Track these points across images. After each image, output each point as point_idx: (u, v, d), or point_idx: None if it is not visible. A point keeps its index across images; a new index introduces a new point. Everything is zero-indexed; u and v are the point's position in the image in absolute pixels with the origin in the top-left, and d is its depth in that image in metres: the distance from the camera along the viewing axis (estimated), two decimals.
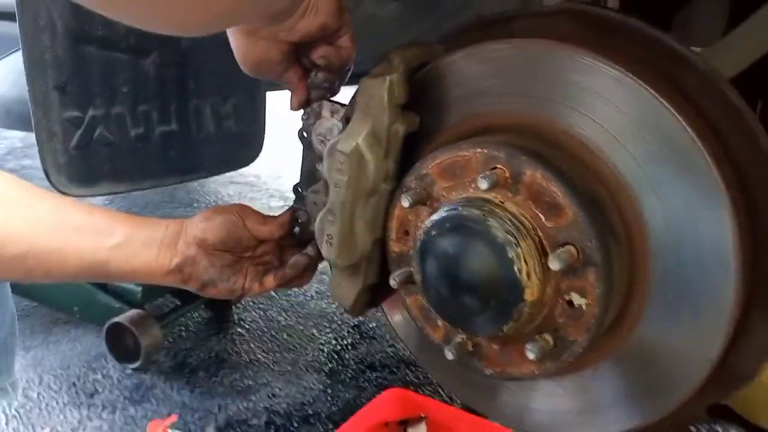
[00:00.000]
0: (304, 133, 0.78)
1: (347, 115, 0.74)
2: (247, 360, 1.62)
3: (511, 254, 0.59)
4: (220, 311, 1.83)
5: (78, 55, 0.92)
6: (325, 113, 0.75)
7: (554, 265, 0.57)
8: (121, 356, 1.53)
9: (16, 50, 1.14)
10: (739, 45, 0.80)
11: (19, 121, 1.17)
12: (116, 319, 1.50)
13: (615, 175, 0.60)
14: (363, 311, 0.83)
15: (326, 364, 1.62)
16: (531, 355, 0.61)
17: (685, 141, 0.56)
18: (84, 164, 0.97)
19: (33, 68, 0.88)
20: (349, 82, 0.78)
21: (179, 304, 1.74)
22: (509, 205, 0.61)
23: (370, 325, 1.84)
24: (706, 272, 0.57)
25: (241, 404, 1.43)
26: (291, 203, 0.85)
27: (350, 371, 1.60)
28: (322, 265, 0.84)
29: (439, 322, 0.72)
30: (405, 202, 0.68)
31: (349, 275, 0.78)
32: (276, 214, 0.81)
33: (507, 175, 0.61)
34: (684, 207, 0.57)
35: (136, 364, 1.51)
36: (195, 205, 2.97)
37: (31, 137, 0.95)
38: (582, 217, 0.57)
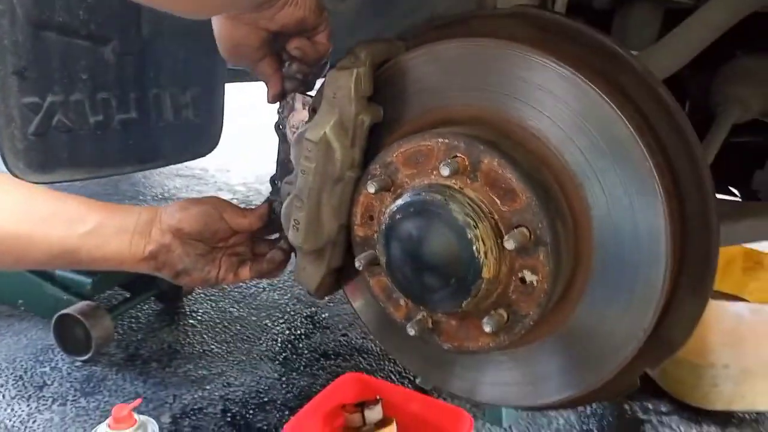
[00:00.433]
0: (279, 126, 0.81)
1: (314, 105, 0.78)
2: (201, 351, 1.63)
3: (470, 235, 0.64)
4: (171, 303, 1.83)
5: (38, 41, 0.92)
6: (298, 106, 0.79)
7: (509, 244, 0.63)
8: (71, 349, 1.51)
9: None
10: (670, 50, 0.88)
11: None
12: (66, 311, 1.48)
13: (562, 163, 0.66)
14: (327, 294, 0.86)
15: (280, 353, 1.65)
16: (487, 328, 0.66)
17: (624, 134, 0.62)
18: (42, 150, 0.96)
19: None
20: None
21: (129, 296, 1.73)
22: (468, 190, 0.67)
23: (323, 315, 1.87)
24: (642, 252, 0.64)
25: (196, 393, 1.44)
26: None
27: (304, 360, 1.63)
28: None
29: (402, 302, 0.76)
30: (371, 188, 0.72)
31: (314, 259, 0.81)
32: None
33: (466, 163, 0.66)
34: (622, 193, 0.64)
35: (86, 357, 1.50)
36: (140, 197, 2.92)
37: None
38: (534, 201, 0.63)
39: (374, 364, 1.63)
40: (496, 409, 1.43)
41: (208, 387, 1.47)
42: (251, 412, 1.40)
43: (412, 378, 1.58)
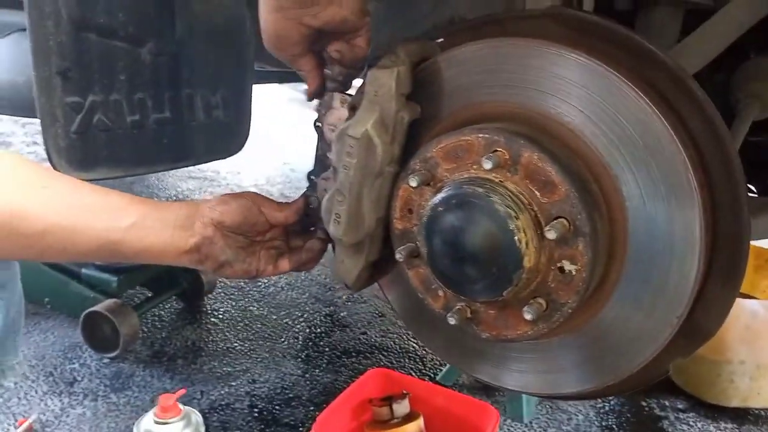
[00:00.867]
0: (318, 123, 0.84)
1: (353, 103, 0.81)
2: (224, 348, 1.65)
3: (511, 226, 0.67)
4: (193, 302, 1.85)
5: (80, 42, 0.95)
6: (336, 104, 0.82)
7: (551, 234, 0.65)
8: (98, 346, 1.54)
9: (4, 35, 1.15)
10: (695, 49, 0.91)
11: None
12: (93, 309, 1.51)
13: (597, 157, 0.69)
14: (362, 287, 0.89)
15: (302, 351, 1.67)
16: (528, 316, 0.69)
17: (658, 128, 0.65)
18: (83, 148, 0.99)
19: (38, 54, 0.90)
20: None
21: (152, 294, 1.76)
22: (508, 183, 0.69)
23: (342, 314, 1.90)
24: (676, 243, 0.66)
25: (223, 390, 1.47)
26: None
27: (326, 357, 1.65)
28: None
29: (440, 292, 0.79)
30: (413, 183, 0.75)
31: (353, 253, 0.84)
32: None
33: (507, 157, 0.69)
34: (657, 185, 0.66)
35: (114, 353, 1.52)
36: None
37: None
38: (573, 193, 0.66)
39: (395, 362, 1.66)
40: (517, 405, 1.45)
41: (233, 383, 1.50)
42: (277, 407, 1.42)
43: (432, 375, 1.60)
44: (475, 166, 0.72)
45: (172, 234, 0.76)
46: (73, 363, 1.52)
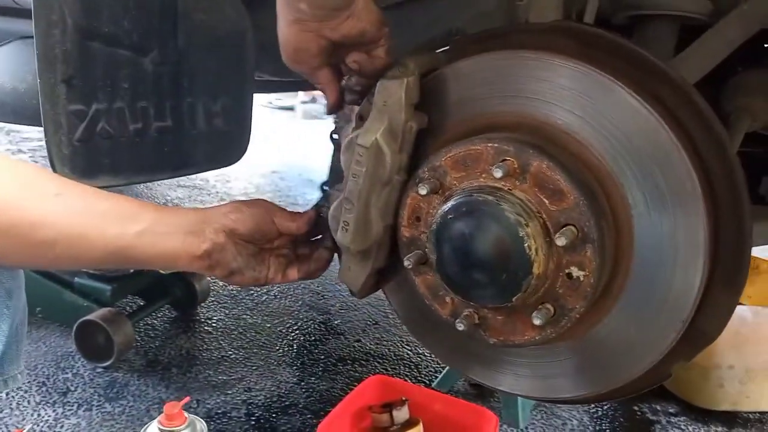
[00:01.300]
0: (334, 135, 0.85)
1: (361, 113, 0.82)
2: (219, 357, 1.65)
3: (521, 233, 0.68)
4: (186, 311, 1.84)
5: (85, 50, 0.95)
6: (355, 117, 0.82)
7: (560, 241, 0.67)
8: (92, 355, 1.53)
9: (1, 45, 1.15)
10: (691, 63, 0.94)
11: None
12: (88, 318, 1.49)
13: (603, 166, 0.71)
14: (368, 294, 0.90)
15: (297, 359, 1.67)
16: (537, 321, 0.70)
17: (664, 139, 0.67)
18: (86, 156, 0.99)
19: (44, 62, 0.90)
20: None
21: (144, 303, 1.75)
22: (516, 192, 0.71)
23: (335, 322, 1.91)
24: (680, 248, 0.68)
25: (219, 398, 1.46)
26: None
27: (321, 365, 1.66)
28: None
29: (447, 299, 0.80)
30: (422, 191, 0.76)
31: (360, 260, 0.85)
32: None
33: (515, 166, 0.71)
34: (662, 193, 0.68)
35: (108, 363, 1.51)
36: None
37: None
38: (582, 201, 0.68)
39: (390, 369, 1.66)
40: (513, 411, 1.47)
41: (229, 392, 1.49)
42: (274, 415, 1.42)
43: (427, 382, 1.61)
44: (484, 175, 0.73)
45: (184, 240, 0.76)
46: (66, 373, 1.51)
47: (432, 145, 0.82)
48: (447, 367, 1.58)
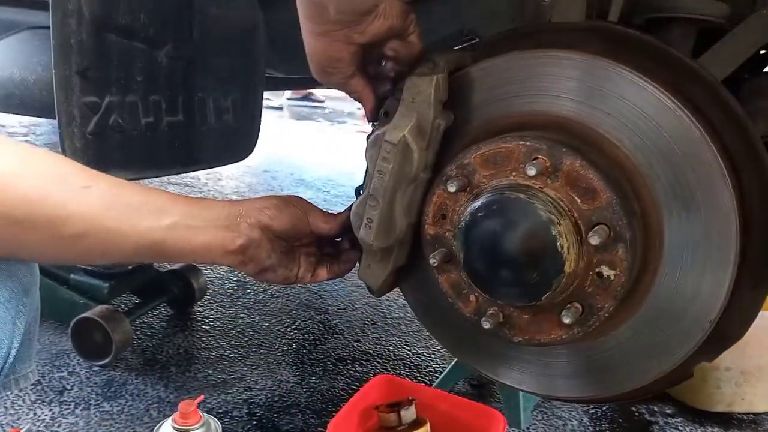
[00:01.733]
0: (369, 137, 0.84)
1: (386, 109, 0.81)
2: (218, 356, 1.63)
3: (554, 232, 0.68)
4: (182, 309, 1.82)
5: (100, 42, 0.93)
6: None
7: (594, 240, 0.67)
8: (89, 353, 1.50)
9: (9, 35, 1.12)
10: (711, 66, 0.95)
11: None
12: (85, 315, 1.47)
13: (634, 164, 0.71)
14: (385, 292, 0.89)
15: (297, 358, 1.66)
16: (567, 320, 0.71)
17: (696, 137, 0.68)
18: (98, 150, 0.97)
19: (59, 52, 0.88)
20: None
21: (141, 301, 1.72)
22: (548, 190, 0.71)
23: (334, 322, 1.89)
24: (711, 248, 0.69)
25: (219, 398, 1.44)
26: None
27: (321, 364, 1.64)
28: None
29: (471, 297, 0.80)
30: (451, 188, 0.76)
31: (382, 258, 0.84)
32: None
33: (547, 164, 0.71)
34: (693, 192, 0.69)
35: (105, 361, 1.48)
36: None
37: None
38: (615, 200, 0.68)
39: (390, 369, 1.66)
40: (515, 412, 1.47)
41: (230, 391, 1.47)
42: (276, 415, 1.41)
43: (428, 382, 1.61)
44: (514, 173, 0.73)
45: (216, 234, 0.74)
46: (62, 371, 1.47)
47: (457, 143, 0.81)
48: (447, 367, 1.58)
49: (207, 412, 1.37)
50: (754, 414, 1.64)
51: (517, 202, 0.70)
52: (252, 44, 1.21)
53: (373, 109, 0.80)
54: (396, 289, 0.92)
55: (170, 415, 1.21)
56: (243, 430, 1.34)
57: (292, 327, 1.83)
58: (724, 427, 1.59)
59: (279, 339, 1.75)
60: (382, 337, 1.83)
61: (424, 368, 1.68)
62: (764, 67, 1.41)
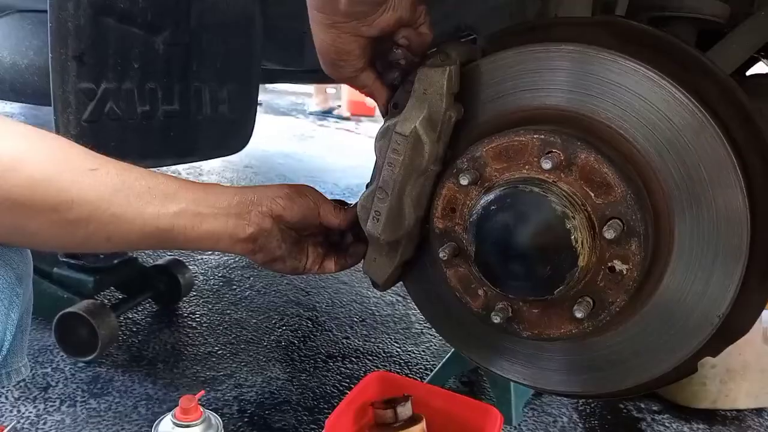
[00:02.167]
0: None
1: (396, 101, 0.80)
2: (205, 352, 1.60)
3: (568, 225, 0.68)
4: (168, 304, 1.79)
5: (97, 26, 0.90)
6: None
7: (609, 234, 0.67)
8: (73, 349, 1.46)
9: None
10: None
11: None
12: (70, 310, 1.43)
13: (646, 160, 0.71)
14: (390, 286, 0.88)
15: (286, 355, 1.64)
16: (579, 314, 0.70)
17: (708, 133, 0.68)
18: (93, 138, 0.94)
19: (56, 36, 0.85)
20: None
21: (125, 296, 1.68)
22: (561, 184, 0.71)
23: (322, 319, 1.88)
24: (721, 242, 0.69)
25: (209, 394, 1.42)
26: None
27: (311, 361, 1.63)
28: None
29: (480, 292, 0.79)
30: (463, 181, 0.75)
31: (389, 251, 0.83)
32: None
33: (562, 158, 0.70)
34: (705, 189, 0.69)
35: (90, 357, 1.44)
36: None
37: None
38: (629, 195, 0.68)
39: (380, 366, 1.65)
40: (506, 409, 1.47)
41: (220, 388, 1.45)
42: (267, 412, 1.39)
43: (418, 379, 1.60)
44: (527, 167, 0.73)
45: (227, 222, 0.72)
46: (46, 367, 1.43)
47: (466, 136, 0.81)
48: (438, 365, 1.58)
49: None
50: (737, 410, 1.67)
51: (532, 196, 0.70)
52: (249, 34, 1.19)
53: (386, 103, 0.78)
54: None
55: (160, 413, 1.19)
56: (234, 427, 1.32)
57: (281, 323, 1.81)
58: (709, 423, 1.61)
59: (267, 335, 1.73)
60: (371, 334, 1.81)
61: (415, 365, 1.67)
62: (748, 69, 1.44)
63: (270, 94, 7.27)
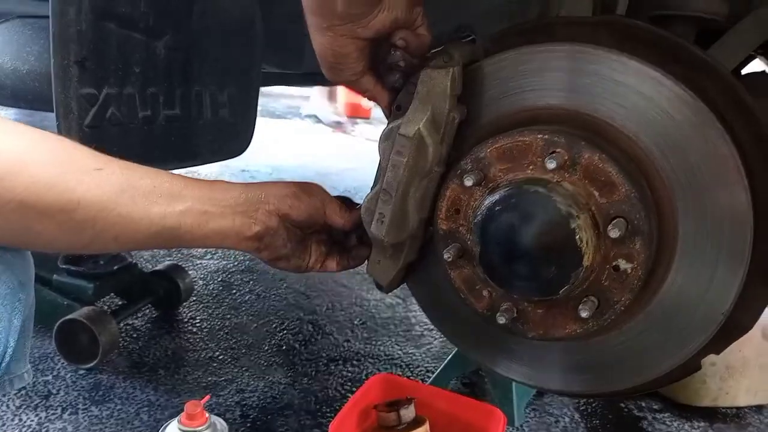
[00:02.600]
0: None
1: (398, 103, 0.80)
2: (207, 357, 1.60)
3: (573, 225, 0.68)
4: (169, 310, 1.78)
5: (99, 31, 0.90)
6: None
7: (613, 233, 0.68)
8: (74, 356, 1.45)
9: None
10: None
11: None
12: (71, 317, 1.42)
13: (649, 158, 0.72)
14: (394, 288, 0.89)
15: (287, 359, 1.64)
16: (584, 314, 0.71)
17: (712, 131, 0.69)
18: (95, 143, 0.92)
19: (58, 41, 0.85)
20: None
21: (127, 302, 1.68)
22: (565, 184, 0.71)
23: (322, 323, 1.87)
24: (724, 241, 0.70)
25: (212, 400, 1.41)
26: None
27: (312, 365, 1.62)
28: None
29: (485, 293, 0.80)
30: (468, 182, 0.75)
31: (393, 253, 0.83)
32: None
33: (566, 158, 0.71)
34: (708, 188, 0.70)
35: (91, 364, 1.44)
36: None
37: None
38: (633, 194, 0.68)
39: (381, 369, 1.65)
40: (508, 410, 1.47)
41: (221, 393, 1.44)
42: (270, 417, 1.38)
43: (420, 381, 1.60)
44: (531, 167, 0.73)
45: (234, 220, 0.72)
46: (46, 375, 1.43)
47: (469, 137, 0.81)
48: (440, 367, 1.58)
49: None
50: (737, 408, 1.68)
51: (536, 196, 0.70)
52: (249, 38, 1.19)
53: (388, 106, 0.79)
54: None
55: (162, 419, 1.19)
56: None
57: (281, 327, 1.81)
58: (710, 421, 1.62)
59: (268, 340, 1.73)
60: (372, 337, 1.81)
61: (416, 368, 1.67)
62: (744, 68, 1.44)
63: (265, 97, 7.25)
